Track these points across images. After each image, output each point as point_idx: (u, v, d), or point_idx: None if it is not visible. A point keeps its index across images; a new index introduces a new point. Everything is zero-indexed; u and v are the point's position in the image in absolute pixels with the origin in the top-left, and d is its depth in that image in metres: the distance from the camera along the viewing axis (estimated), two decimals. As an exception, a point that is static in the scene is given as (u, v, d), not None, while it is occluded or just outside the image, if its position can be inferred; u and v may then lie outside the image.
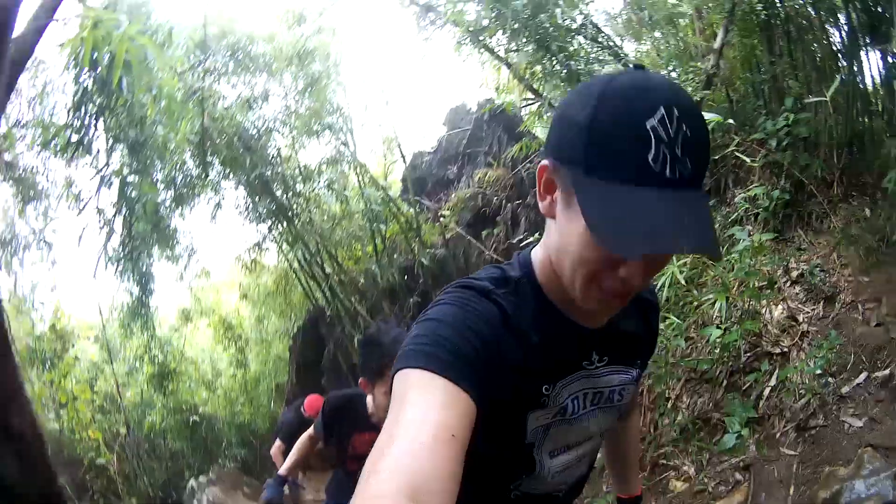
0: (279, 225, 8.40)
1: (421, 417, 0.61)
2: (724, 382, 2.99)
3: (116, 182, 6.76)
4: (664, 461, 3.02)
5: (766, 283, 3.05)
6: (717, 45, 3.62)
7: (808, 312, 2.95)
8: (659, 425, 3.18)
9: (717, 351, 3.04)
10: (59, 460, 5.69)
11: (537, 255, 0.84)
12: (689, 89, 3.67)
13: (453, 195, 8.15)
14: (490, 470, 0.82)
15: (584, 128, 0.65)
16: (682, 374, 3.21)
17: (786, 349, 2.81)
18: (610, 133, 0.63)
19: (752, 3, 3.57)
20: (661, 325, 2.88)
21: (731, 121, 3.46)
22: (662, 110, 0.61)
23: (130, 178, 6.86)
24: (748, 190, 3.57)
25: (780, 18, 3.78)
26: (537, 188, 0.76)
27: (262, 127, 7.96)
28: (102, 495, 6.95)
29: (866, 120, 3.56)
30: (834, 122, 3.46)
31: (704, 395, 3.06)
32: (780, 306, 3.03)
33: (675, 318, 3.08)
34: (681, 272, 3.12)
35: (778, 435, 2.61)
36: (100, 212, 6.90)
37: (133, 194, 6.99)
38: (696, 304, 3.28)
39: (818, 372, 2.59)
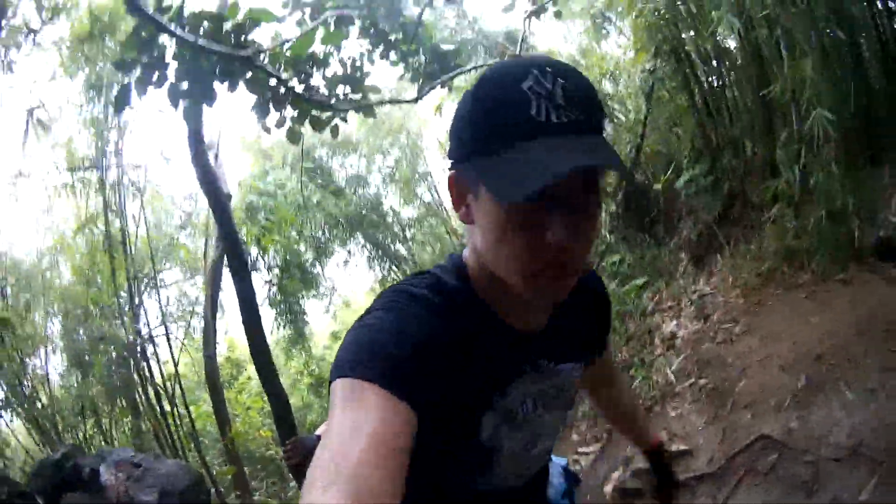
0: (396, 265, 10.66)
1: (358, 429, 0.58)
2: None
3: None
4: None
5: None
6: (641, 116, 4.46)
7: (687, 328, 3.72)
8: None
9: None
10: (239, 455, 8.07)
11: (469, 257, 0.80)
12: (622, 156, 4.59)
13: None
14: (446, 470, 0.80)
15: (468, 119, 0.67)
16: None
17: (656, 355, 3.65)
18: (490, 109, 0.64)
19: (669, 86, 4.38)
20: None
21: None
22: (535, 71, 0.62)
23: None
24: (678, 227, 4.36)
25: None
26: (452, 200, 0.75)
27: (373, 195, 10.34)
28: (273, 480, 9.34)
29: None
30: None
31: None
32: (672, 322, 3.83)
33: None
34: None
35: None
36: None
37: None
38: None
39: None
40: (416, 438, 0.63)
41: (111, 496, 3.23)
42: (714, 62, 4.13)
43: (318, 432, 2.03)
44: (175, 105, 2.98)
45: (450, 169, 0.74)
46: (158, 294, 7.58)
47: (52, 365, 7.42)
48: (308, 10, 3.54)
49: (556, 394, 0.88)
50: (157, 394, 7.04)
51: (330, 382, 0.65)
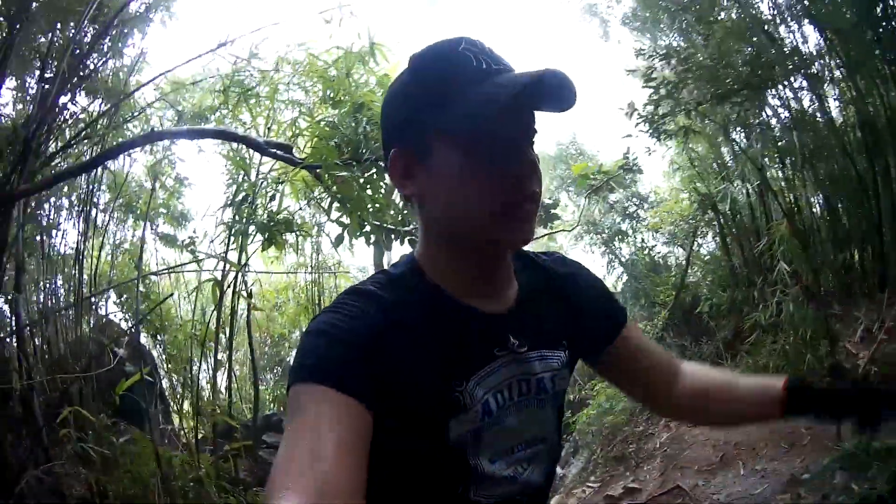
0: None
1: (314, 431, 0.58)
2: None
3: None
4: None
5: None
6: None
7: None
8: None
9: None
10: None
11: (420, 249, 0.79)
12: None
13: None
14: (426, 477, 0.74)
15: (409, 93, 0.72)
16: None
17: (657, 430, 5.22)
18: (434, 73, 0.70)
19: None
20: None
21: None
22: (464, 41, 0.70)
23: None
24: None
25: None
26: (396, 183, 0.76)
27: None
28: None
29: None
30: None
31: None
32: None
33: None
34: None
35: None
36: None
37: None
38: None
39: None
40: (385, 439, 0.64)
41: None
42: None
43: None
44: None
45: (390, 150, 0.75)
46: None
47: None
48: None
49: (537, 385, 0.79)
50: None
51: (287, 391, 0.65)
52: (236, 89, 3.18)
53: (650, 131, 3.85)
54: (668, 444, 4.90)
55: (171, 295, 4.53)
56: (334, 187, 3.26)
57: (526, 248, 0.83)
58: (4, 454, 2.98)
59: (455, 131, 0.67)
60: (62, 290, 4.32)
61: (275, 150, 3.19)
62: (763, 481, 3.98)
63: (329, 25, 3.46)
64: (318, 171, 3.18)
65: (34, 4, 3.52)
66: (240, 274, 3.78)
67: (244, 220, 3.29)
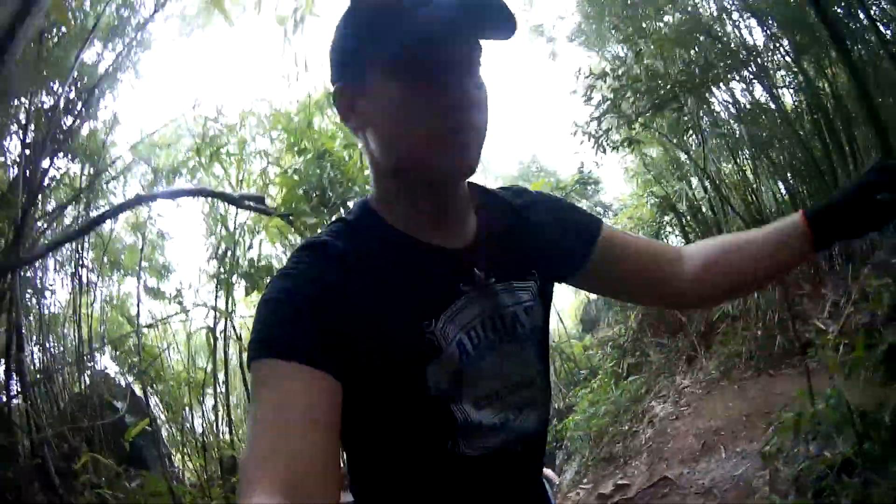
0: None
1: (280, 408, 0.57)
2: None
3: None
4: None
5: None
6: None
7: (665, 409, 5.43)
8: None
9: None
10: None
11: (373, 192, 0.78)
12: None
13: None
14: (411, 432, 0.71)
15: (346, 25, 0.72)
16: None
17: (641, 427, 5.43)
18: (371, 7, 0.70)
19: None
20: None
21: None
22: None
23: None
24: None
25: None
26: (342, 118, 0.76)
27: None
28: None
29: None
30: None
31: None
32: (660, 406, 5.56)
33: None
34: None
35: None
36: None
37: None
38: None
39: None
40: (362, 402, 0.63)
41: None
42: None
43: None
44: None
45: (336, 85, 0.74)
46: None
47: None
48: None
49: (511, 319, 0.77)
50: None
51: (248, 367, 0.62)
52: (208, 149, 3.44)
53: (595, 147, 4.11)
54: (653, 438, 5.11)
55: (167, 349, 4.73)
56: (307, 232, 3.51)
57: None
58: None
59: (387, 62, 0.67)
60: (61, 347, 4.52)
61: (249, 203, 3.44)
62: (744, 462, 4.18)
63: (288, 80, 3.72)
64: (290, 217, 3.43)
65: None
66: (228, 320, 4.01)
67: (227, 270, 3.53)
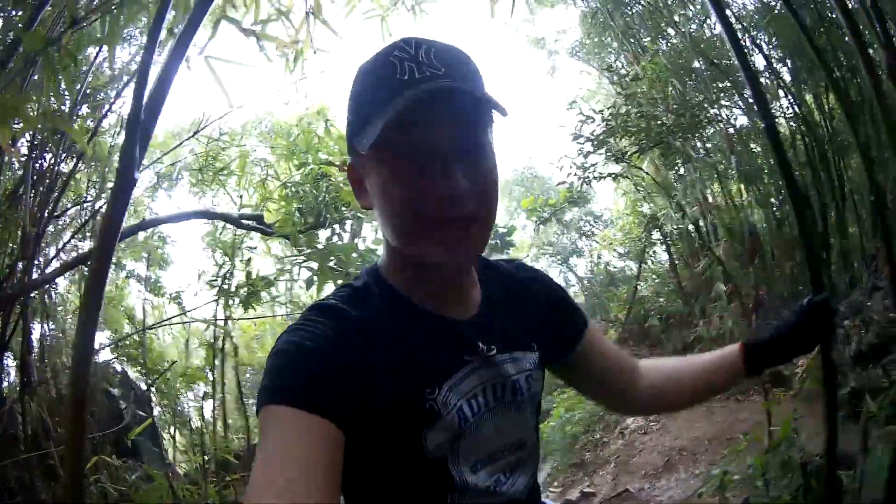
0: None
1: (285, 453, 0.58)
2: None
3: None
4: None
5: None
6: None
7: (637, 422, 5.72)
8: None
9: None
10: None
11: (382, 258, 0.80)
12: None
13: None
14: (409, 488, 0.73)
15: (349, 104, 0.73)
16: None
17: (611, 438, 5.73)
18: (364, 86, 0.70)
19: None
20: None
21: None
22: (402, 43, 0.67)
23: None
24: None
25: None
26: (354, 194, 0.78)
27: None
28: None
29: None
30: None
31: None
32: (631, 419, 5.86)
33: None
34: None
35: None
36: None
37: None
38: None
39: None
40: (363, 455, 0.65)
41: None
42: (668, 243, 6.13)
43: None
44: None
45: (350, 163, 0.76)
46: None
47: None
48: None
49: (512, 387, 0.79)
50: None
51: (257, 413, 0.64)
52: (210, 170, 3.60)
53: (581, 180, 4.26)
54: (621, 450, 5.42)
55: (175, 363, 4.89)
56: (304, 248, 3.70)
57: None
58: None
59: (374, 145, 0.65)
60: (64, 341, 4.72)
61: (248, 222, 3.61)
62: (700, 483, 4.49)
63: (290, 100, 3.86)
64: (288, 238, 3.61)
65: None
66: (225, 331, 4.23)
67: (228, 289, 3.72)
